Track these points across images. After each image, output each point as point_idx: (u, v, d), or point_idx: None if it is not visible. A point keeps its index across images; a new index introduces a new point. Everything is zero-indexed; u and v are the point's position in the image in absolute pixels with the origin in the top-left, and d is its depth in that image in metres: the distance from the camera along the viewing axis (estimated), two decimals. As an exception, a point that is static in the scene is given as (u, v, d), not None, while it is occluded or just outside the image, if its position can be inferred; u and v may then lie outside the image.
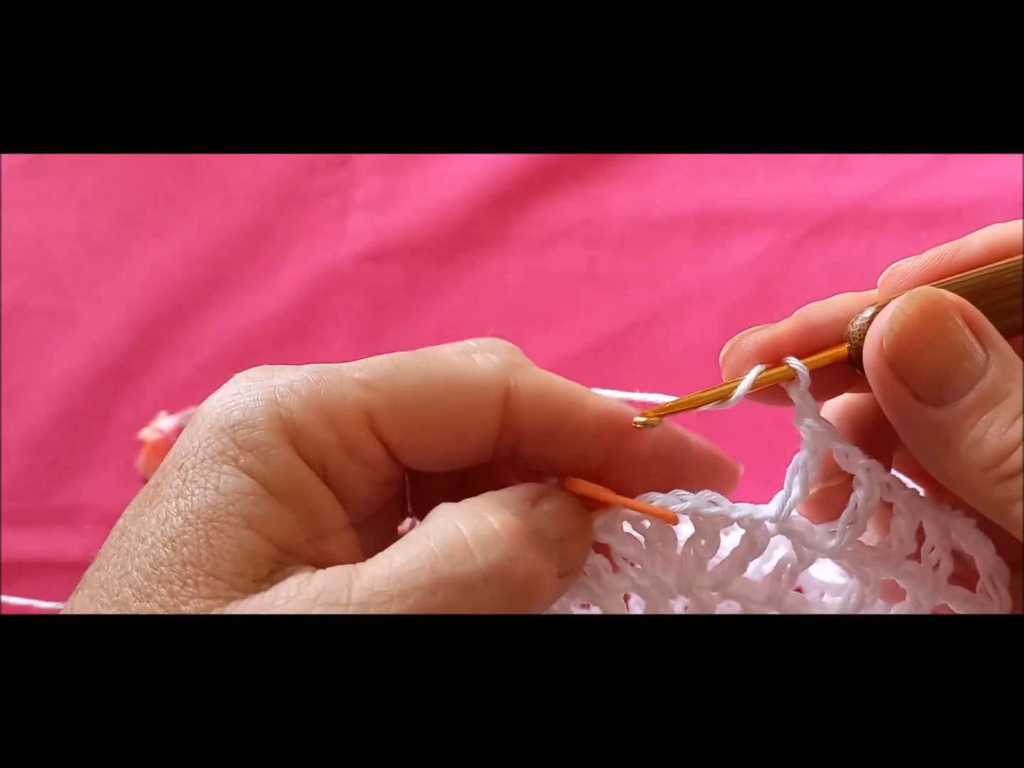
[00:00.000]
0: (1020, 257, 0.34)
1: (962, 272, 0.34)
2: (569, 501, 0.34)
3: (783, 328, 0.35)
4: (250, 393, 0.32)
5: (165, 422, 0.68)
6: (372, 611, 0.28)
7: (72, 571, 0.70)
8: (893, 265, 0.36)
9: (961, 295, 0.33)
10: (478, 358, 0.34)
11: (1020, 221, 0.35)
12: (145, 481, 0.66)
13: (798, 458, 0.35)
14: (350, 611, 0.28)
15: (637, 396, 0.38)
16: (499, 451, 0.35)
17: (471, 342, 0.36)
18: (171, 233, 0.76)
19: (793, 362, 0.34)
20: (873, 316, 0.33)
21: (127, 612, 0.28)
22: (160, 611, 0.28)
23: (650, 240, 0.72)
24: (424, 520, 0.32)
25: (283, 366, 0.33)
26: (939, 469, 0.33)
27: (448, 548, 0.29)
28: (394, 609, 0.28)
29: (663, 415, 0.35)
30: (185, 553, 0.29)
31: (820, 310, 0.35)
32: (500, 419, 0.34)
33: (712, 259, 0.70)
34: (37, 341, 0.73)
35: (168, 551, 0.29)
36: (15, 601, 0.62)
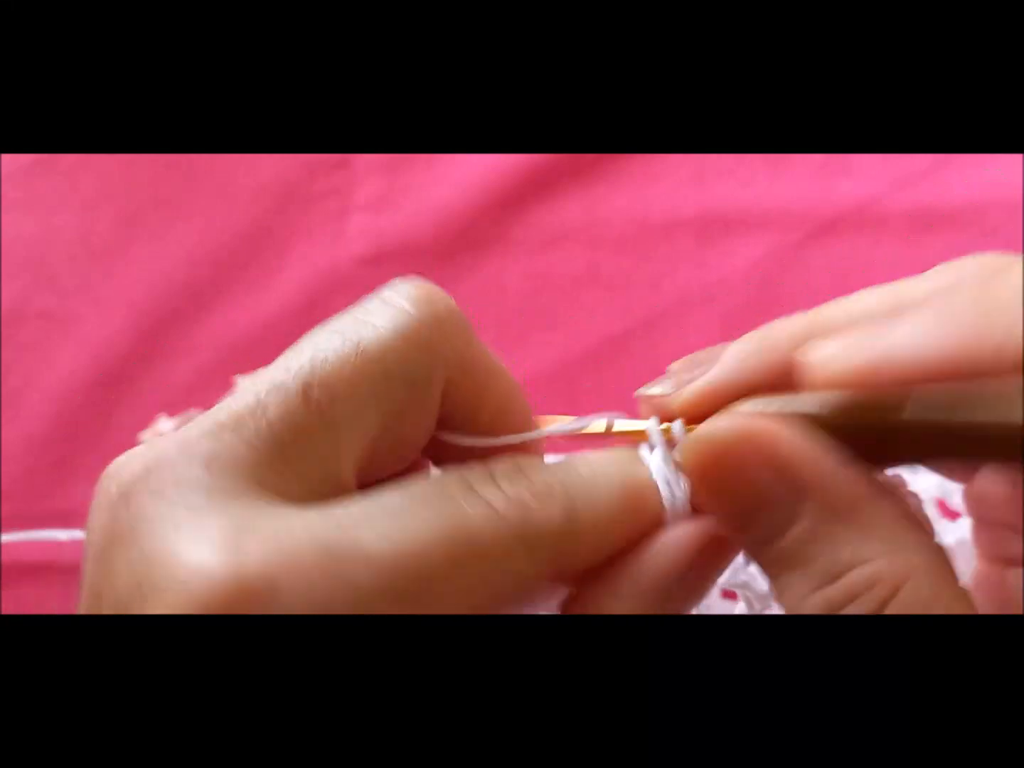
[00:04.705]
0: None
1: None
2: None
3: (683, 398, 0.30)
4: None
5: (165, 425, 0.68)
6: None
7: (71, 573, 0.70)
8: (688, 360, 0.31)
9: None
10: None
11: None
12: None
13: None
14: None
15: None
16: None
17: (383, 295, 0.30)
18: (171, 235, 0.76)
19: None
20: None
21: None
22: None
23: (651, 242, 0.72)
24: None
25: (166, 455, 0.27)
26: None
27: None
28: None
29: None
30: None
31: (732, 366, 0.30)
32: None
33: (713, 261, 0.70)
34: (37, 343, 0.73)
35: None
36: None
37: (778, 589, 0.27)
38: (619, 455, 0.30)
